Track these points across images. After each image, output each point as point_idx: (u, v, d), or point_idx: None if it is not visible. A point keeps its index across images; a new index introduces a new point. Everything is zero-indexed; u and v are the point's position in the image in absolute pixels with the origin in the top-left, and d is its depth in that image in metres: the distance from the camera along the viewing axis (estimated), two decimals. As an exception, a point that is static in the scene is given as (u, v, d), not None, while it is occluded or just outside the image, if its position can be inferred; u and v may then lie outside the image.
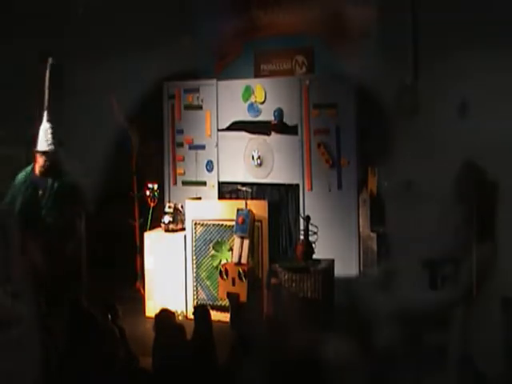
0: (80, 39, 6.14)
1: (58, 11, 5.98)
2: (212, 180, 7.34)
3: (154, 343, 4.53)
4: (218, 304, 6.61)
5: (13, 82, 5.69)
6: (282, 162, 6.97)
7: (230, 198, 7.14)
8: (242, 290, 6.22)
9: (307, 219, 6.05)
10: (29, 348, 4.25)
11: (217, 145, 7.29)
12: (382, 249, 6.35)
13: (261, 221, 6.45)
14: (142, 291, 7.11)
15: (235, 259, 6.39)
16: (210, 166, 7.34)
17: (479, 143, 5.24)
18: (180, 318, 6.54)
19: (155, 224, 7.17)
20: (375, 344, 4.31)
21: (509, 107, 5.64)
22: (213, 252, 6.70)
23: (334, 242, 6.50)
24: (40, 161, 5.50)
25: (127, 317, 5.28)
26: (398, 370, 4.14)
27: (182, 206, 7.01)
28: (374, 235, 6.45)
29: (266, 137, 7.05)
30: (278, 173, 7.00)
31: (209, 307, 5.22)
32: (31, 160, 5.64)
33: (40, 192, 5.51)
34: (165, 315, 4.76)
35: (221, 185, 7.31)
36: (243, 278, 6.22)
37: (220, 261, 6.61)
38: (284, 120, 6.96)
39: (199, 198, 7.18)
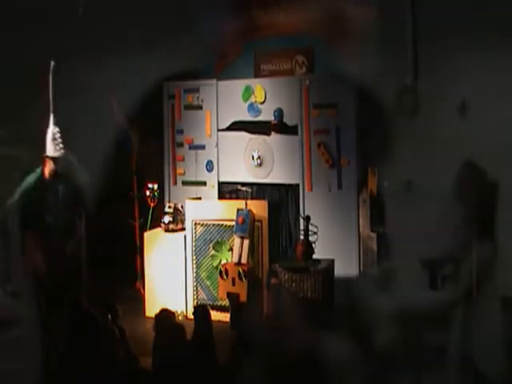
0: (80, 39, 6.13)
1: (57, 11, 5.97)
2: (212, 180, 7.34)
3: (154, 343, 4.53)
4: (218, 304, 6.61)
5: (13, 82, 5.68)
6: (282, 161, 6.98)
7: (230, 198, 7.14)
8: (242, 290, 6.22)
9: (307, 219, 6.05)
10: (29, 348, 4.26)
11: (217, 145, 7.29)
12: (382, 249, 6.35)
13: (261, 221, 6.45)
14: (142, 291, 7.11)
15: (235, 259, 6.39)
16: (209, 166, 7.35)
17: (479, 143, 5.25)
18: (180, 318, 6.55)
19: (155, 224, 7.17)
20: (375, 344, 4.31)
21: (509, 107, 5.65)
22: (213, 252, 6.70)
23: (334, 242, 6.50)
24: (49, 165, 5.54)
25: (127, 317, 5.28)
26: (398, 369, 4.14)
27: (182, 206, 7.01)
28: (374, 235, 6.45)
29: (266, 137, 7.06)
30: (278, 173, 7.00)
31: (209, 307, 5.22)
32: (32, 160, 5.65)
33: (49, 195, 5.55)
34: (165, 315, 4.76)
35: (221, 185, 7.31)
36: (243, 278, 6.22)
37: (220, 261, 6.61)
38: (284, 120, 6.96)
39: (199, 198, 7.19)
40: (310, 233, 5.98)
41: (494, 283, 3.84)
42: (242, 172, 7.17)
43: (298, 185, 6.89)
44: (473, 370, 3.79)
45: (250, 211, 6.41)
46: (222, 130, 7.27)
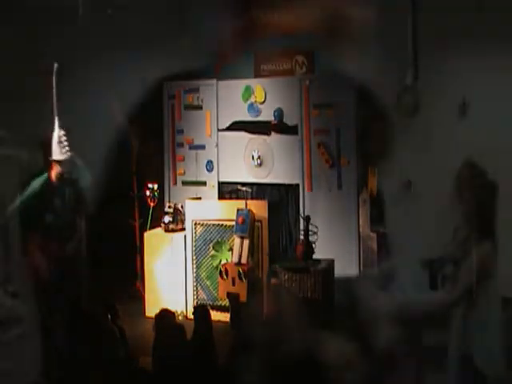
0: (80, 39, 6.13)
1: (57, 11, 5.97)
2: (212, 180, 7.34)
3: (154, 343, 4.52)
4: (218, 304, 6.61)
5: (13, 81, 5.68)
6: (282, 161, 6.98)
7: (230, 198, 7.14)
8: (242, 290, 6.22)
9: (307, 219, 6.05)
10: (29, 348, 4.25)
11: (217, 145, 7.29)
12: (382, 249, 6.35)
13: (261, 221, 6.45)
14: (142, 291, 7.12)
15: (235, 259, 6.39)
16: (210, 166, 7.35)
17: (479, 143, 5.25)
18: (180, 318, 6.55)
19: (155, 224, 7.18)
20: (375, 344, 4.31)
21: (509, 107, 5.65)
22: (213, 252, 6.70)
23: (334, 242, 6.50)
24: (56, 168, 5.55)
25: (127, 317, 5.28)
26: (398, 369, 4.14)
27: (181, 206, 7.02)
28: (373, 235, 6.45)
29: (266, 137, 7.06)
30: (278, 173, 7.00)
31: (209, 307, 5.22)
32: (32, 161, 5.65)
33: (55, 198, 5.56)
34: (165, 315, 4.76)
35: (221, 185, 7.32)
36: (243, 278, 6.22)
37: (220, 261, 6.61)
38: (284, 120, 6.96)
39: (199, 198, 7.19)
40: (310, 233, 5.98)
41: (494, 283, 3.83)
42: (241, 172, 7.17)
43: (297, 185, 6.90)
44: (473, 370, 3.78)
45: (250, 211, 6.41)
46: (222, 130, 7.27)
